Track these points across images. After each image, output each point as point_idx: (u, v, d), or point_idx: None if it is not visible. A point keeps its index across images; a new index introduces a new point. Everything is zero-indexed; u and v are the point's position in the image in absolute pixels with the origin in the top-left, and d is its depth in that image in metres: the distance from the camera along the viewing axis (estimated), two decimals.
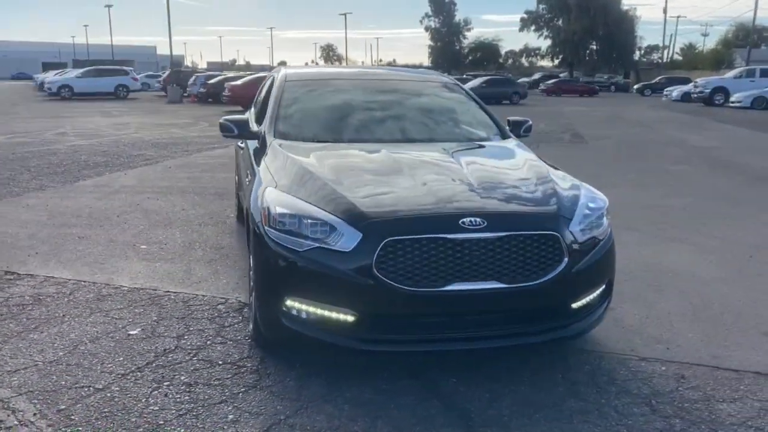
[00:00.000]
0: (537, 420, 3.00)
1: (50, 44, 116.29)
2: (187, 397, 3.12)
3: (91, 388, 3.19)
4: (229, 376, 3.35)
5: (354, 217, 3.12)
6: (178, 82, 34.80)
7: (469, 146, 4.40)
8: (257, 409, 3.03)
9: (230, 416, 2.97)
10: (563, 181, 3.78)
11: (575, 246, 3.28)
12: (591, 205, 3.56)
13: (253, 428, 2.87)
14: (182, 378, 3.32)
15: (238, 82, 27.14)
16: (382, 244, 3.01)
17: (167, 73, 40.97)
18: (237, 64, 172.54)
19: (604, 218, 3.59)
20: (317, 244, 3.10)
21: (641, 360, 3.64)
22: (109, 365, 3.44)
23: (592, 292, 3.47)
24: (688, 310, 4.41)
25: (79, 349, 3.65)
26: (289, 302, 3.18)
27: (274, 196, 3.40)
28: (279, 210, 3.24)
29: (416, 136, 4.50)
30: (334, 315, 3.12)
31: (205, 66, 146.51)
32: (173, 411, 3.00)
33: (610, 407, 3.12)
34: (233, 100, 26.23)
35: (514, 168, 3.97)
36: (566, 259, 3.22)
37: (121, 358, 3.53)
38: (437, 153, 4.09)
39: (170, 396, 3.13)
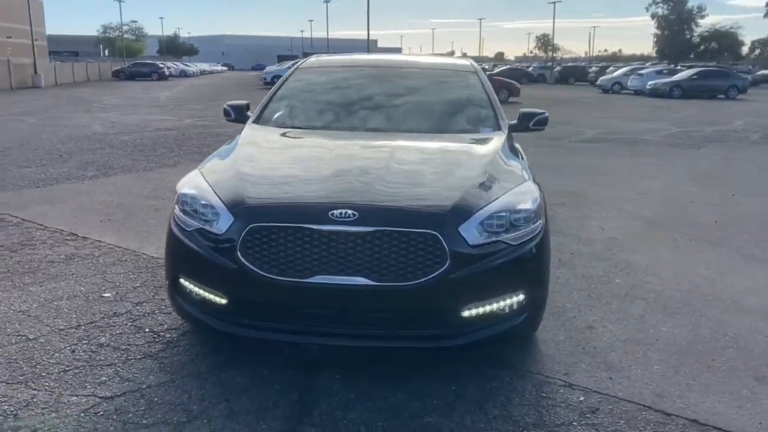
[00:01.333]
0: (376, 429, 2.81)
1: (284, 38, 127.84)
2: (85, 356, 3.39)
3: (22, 337, 3.61)
4: (141, 343, 3.57)
5: (231, 201, 3.16)
6: None
7: (438, 137, 4.16)
8: (131, 375, 3.21)
9: (102, 378, 3.18)
10: (502, 181, 3.43)
11: (465, 249, 2.98)
12: (516, 207, 3.20)
13: (106, 391, 3.05)
14: (101, 339, 3.60)
15: None
16: (247, 229, 3.01)
17: None
18: (456, 55, 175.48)
19: (531, 224, 3.21)
20: (200, 225, 3.19)
21: (565, 386, 3.21)
22: (58, 321, 3.85)
23: (495, 302, 3.12)
24: (675, 337, 3.76)
25: (52, 303, 4.13)
26: (181, 280, 3.31)
27: (190, 177, 3.54)
28: (184, 190, 3.38)
29: (396, 127, 4.35)
30: (211, 297, 3.19)
31: None
32: (62, 366, 3.29)
33: (472, 428, 2.82)
34: None
35: (450, 162, 3.68)
36: (448, 262, 2.94)
37: (74, 316, 3.93)
38: (395, 143, 3.94)
39: (76, 353, 3.43)
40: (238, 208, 3.10)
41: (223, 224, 3.10)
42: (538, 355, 3.53)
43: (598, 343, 3.69)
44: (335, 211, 2.97)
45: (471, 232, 3.03)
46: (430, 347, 3.12)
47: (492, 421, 2.87)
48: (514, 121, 4.57)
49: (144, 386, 3.11)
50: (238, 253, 3.01)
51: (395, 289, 2.92)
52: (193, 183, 3.42)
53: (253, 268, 2.98)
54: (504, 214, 3.15)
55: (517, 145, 4.28)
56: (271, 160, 3.68)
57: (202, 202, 3.24)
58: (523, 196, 3.32)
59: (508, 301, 3.17)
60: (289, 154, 3.85)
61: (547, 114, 4.63)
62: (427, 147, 3.99)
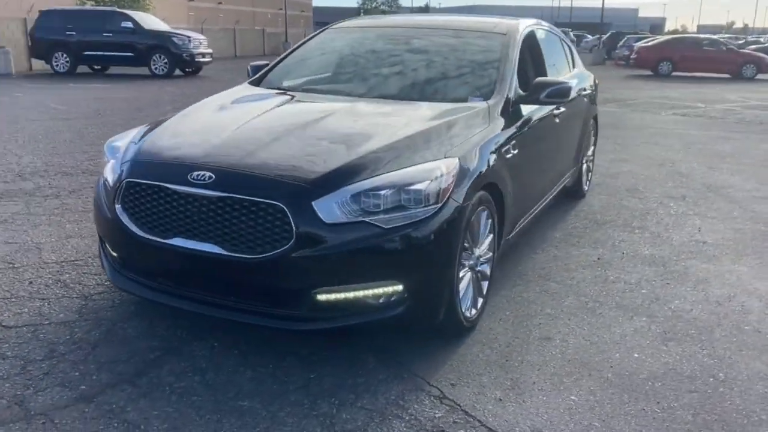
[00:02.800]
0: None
1: (533, 8, 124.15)
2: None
3: None
4: (60, 301, 3.62)
5: (124, 155, 3.23)
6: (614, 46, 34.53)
7: (405, 105, 3.75)
8: (37, 338, 3.32)
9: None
10: (413, 156, 3.01)
11: (317, 226, 2.70)
12: (407, 186, 2.81)
13: None
14: (23, 293, 3.65)
15: (647, 44, 25.15)
16: (122, 184, 3.06)
17: (607, 35, 40.28)
18: (735, 27, 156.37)
19: (420, 207, 2.80)
20: (105, 178, 3.31)
21: (436, 397, 2.78)
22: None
23: (361, 289, 2.79)
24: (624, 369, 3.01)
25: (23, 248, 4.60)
26: (99, 232, 3.47)
27: (130, 132, 3.65)
28: (108, 143, 3.52)
29: (375, 92, 4.00)
30: (108, 249, 3.32)
31: (694, 30, 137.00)
32: None
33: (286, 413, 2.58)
34: (639, 62, 24.57)
35: (371, 131, 3.27)
36: (294, 239, 2.70)
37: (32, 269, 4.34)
38: (344, 107, 3.69)
39: None
40: (124, 162, 3.17)
41: (114, 178, 3.18)
42: (443, 356, 3.08)
43: (533, 357, 3.11)
44: (194, 173, 2.87)
45: (329, 209, 2.72)
46: (282, 328, 2.88)
47: (310, 417, 2.59)
48: (523, 93, 3.95)
49: (57, 349, 3.22)
50: (116, 206, 3.06)
51: (242, 262, 2.75)
52: (123, 136, 3.54)
53: (124, 222, 3.02)
54: (384, 192, 2.77)
55: (519, 121, 3.72)
56: (202, 118, 3.64)
57: (117, 155, 3.34)
58: (424, 174, 2.89)
59: (380, 290, 2.81)
60: (225, 113, 3.76)
61: (567, 85, 3.92)
62: (374, 113, 3.63)
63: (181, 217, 2.87)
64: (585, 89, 5.66)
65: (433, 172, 2.89)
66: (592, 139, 6.19)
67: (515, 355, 3.12)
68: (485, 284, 3.48)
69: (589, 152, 6.16)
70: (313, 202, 2.72)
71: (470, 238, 3.18)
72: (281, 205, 2.70)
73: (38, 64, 21.43)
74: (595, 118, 6.20)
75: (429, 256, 2.85)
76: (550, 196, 4.84)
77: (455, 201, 2.91)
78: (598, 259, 4.44)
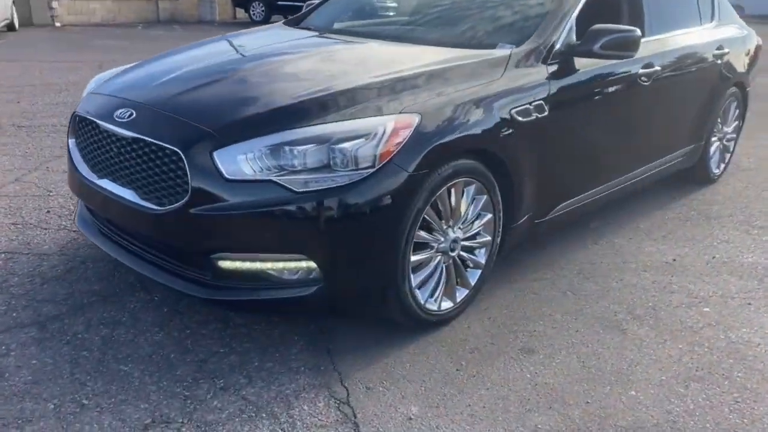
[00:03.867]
0: None
1: None
2: None
3: None
4: (58, 233, 3.59)
5: (86, 89, 3.10)
6: None
7: (428, 50, 3.12)
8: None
9: None
10: (371, 105, 2.49)
11: (216, 181, 2.32)
12: (337, 144, 2.32)
13: None
14: (32, 221, 3.68)
15: None
16: (73, 118, 2.92)
17: None
18: None
19: (346, 170, 2.31)
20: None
21: (333, 399, 2.32)
22: None
23: (268, 260, 2.39)
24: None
25: None
26: None
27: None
28: (96, 76, 3.38)
29: (411, 37, 3.42)
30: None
31: None
32: None
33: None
34: None
35: (346, 74, 2.73)
36: (189, 192, 2.35)
37: None
38: (356, 51, 3.27)
39: None
40: (85, 94, 3.02)
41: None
42: (384, 352, 2.58)
43: (493, 372, 2.49)
44: (119, 110, 2.62)
45: (232, 161, 2.31)
46: (186, 293, 2.54)
47: (177, 397, 2.27)
48: (576, 41, 3.14)
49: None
50: (69, 141, 2.94)
51: (150, 213, 2.47)
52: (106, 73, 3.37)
53: (74, 158, 2.88)
54: (305, 148, 2.30)
55: (529, 73, 2.95)
56: (180, 55, 3.32)
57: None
58: (361, 130, 2.36)
59: (291, 265, 2.38)
60: (204, 50, 3.40)
61: (633, 35, 3.04)
62: (370, 56, 3.12)
63: (107, 157, 2.65)
64: (722, 49, 4.48)
65: (372, 130, 2.35)
66: (734, 112, 4.96)
67: (472, 366, 2.52)
68: (475, 273, 2.86)
69: (729, 129, 4.95)
70: (214, 152, 2.32)
71: (439, 216, 2.59)
72: (179, 151, 2.35)
73: (240, 13, 22.92)
74: (742, 87, 4.93)
75: (352, 231, 2.34)
76: (643, 177, 3.93)
77: (400, 168, 2.35)
78: (674, 260, 3.52)
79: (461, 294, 2.82)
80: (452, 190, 2.61)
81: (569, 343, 2.69)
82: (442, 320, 2.76)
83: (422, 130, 2.43)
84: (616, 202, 3.98)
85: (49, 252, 3.32)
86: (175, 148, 2.35)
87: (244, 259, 2.38)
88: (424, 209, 2.48)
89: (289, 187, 2.27)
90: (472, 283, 2.86)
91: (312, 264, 2.34)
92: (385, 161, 2.33)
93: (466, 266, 2.84)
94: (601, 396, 2.36)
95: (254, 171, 2.29)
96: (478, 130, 2.62)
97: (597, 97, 3.29)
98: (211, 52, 3.33)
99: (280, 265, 2.37)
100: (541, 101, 2.90)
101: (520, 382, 2.43)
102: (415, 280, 2.58)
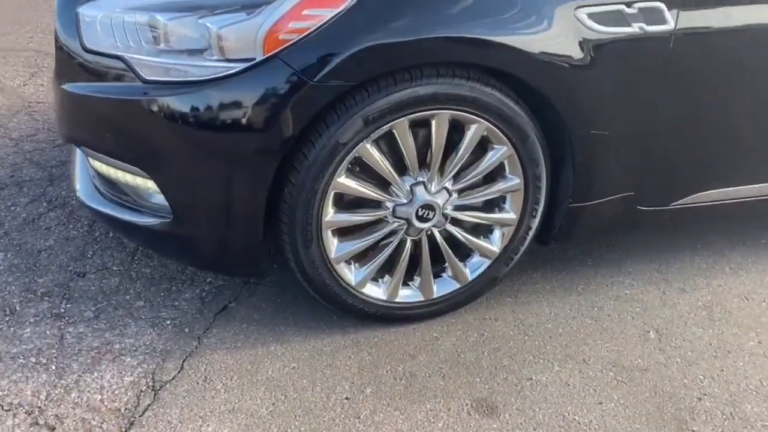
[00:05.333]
0: None
1: None
2: None
3: None
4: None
5: None
6: None
7: None
8: None
9: None
10: None
11: (76, 50, 1.70)
12: (204, 19, 1.53)
13: None
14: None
15: None
16: None
17: None
18: None
19: (204, 61, 1.54)
20: None
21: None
22: None
23: (120, 169, 1.76)
24: None
25: None
26: None
27: None
28: None
29: None
30: None
31: None
32: None
33: None
34: None
35: None
36: (56, 59, 1.83)
37: None
38: None
39: None
40: None
41: None
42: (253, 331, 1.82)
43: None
44: None
45: (93, 24, 1.67)
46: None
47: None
48: None
49: None
50: None
51: None
52: None
53: None
54: (172, 18, 1.55)
55: None
56: None
57: None
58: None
59: (139, 181, 1.71)
60: None
61: None
62: None
63: None
64: None
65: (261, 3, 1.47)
66: None
67: (371, 403, 1.60)
68: (479, 265, 1.86)
69: None
70: (78, 9, 1.69)
71: (401, 163, 1.65)
72: (56, 7, 1.78)
73: None
74: None
75: (209, 155, 1.56)
76: None
77: (292, 69, 1.45)
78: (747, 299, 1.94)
79: (445, 287, 1.84)
80: (433, 123, 1.61)
81: (507, 389, 1.57)
82: (396, 317, 1.84)
83: (359, 14, 1.46)
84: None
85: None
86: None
87: (100, 162, 1.77)
88: (352, 144, 1.55)
89: (138, 71, 1.55)
90: (469, 277, 1.84)
91: (151, 184, 1.63)
92: (271, 53, 1.45)
93: (466, 251, 1.83)
94: None
95: (109, 41, 1.61)
96: (490, 35, 1.53)
97: None
98: None
99: (133, 179, 1.71)
100: (661, 3, 1.61)
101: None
102: (345, 248, 1.70)
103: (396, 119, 1.56)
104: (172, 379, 1.63)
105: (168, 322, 1.82)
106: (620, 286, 2.07)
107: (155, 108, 1.52)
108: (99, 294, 1.91)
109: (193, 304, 1.89)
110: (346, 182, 1.61)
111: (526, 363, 1.74)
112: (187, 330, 1.79)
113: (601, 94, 1.65)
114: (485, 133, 1.66)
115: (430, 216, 1.71)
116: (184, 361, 1.69)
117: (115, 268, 2.02)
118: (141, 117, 1.56)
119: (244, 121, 1.48)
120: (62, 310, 1.84)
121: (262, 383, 1.64)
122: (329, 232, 1.66)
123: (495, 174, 1.76)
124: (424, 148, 1.65)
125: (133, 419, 1.52)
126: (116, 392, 1.59)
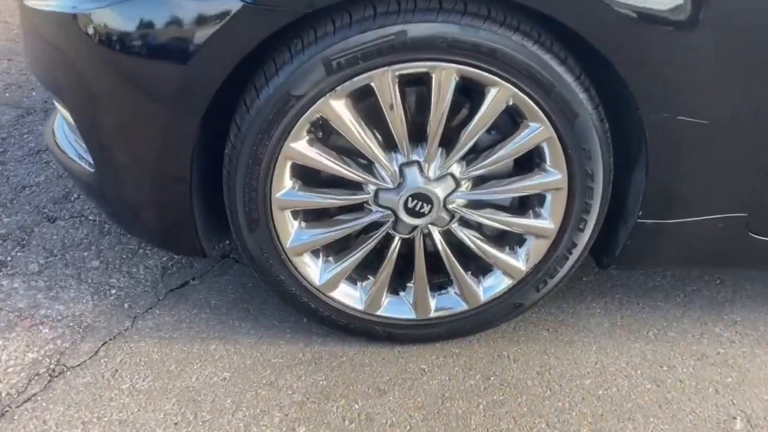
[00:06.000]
0: None
1: None
2: None
3: None
4: None
5: None
6: None
7: None
8: None
9: None
10: None
11: None
12: None
13: None
14: None
15: None
16: None
17: None
18: None
19: None
20: None
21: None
22: None
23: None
24: None
25: None
26: None
27: None
28: None
29: None
30: None
31: None
32: None
33: None
34: None
35: None
36: None
37: None
38: None
39: None
40: None
41: None
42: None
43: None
44: None
45: None
46: None
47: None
48: None
49: None
50: None
51: None
52: None
53: None
54: None
55: None
56: None
57: None
58: None
59: (69, 117, 1.40)
60: None
61: None
62: None
63: None
64: None
65: None
66: None
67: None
68: (496, 284, 1.37)
69: None
70: None
71: (385, 136, 1.20)
72: None
73: None
74: None
75: (111, 80, 1.20)
76: None
77: None
78: None
79: (446, 306, 1.37)
80: (433, 79, 1.13)
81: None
82: (376, 334, 1.40)
83: None
84: None
85: None
86: None
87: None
88: (311, 99, 1.12)
89: None
90: (482, 299, 1.35)
91: (67, 114, 1.31)
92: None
93: (480, 266, 1.35)
94: None
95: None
96: None
97: None
98: None
99: (66, 114, 1.39)
100: None
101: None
102: (306, 236, 1.29)
103: (374, 69, 1.09)
104: (79, 365, 1.33)
105: (113, 291, 1.52)
106: (712, 341, 1.47)
107: (59, 21, 1.18)
108: (58, 245, 1.65)
109: (151, 274, 1.57)
110: (301, 149, 1.18)
111: None
112: (126, 305, 1.48)
113: (699, 62, 1.07)
114: (511, 102, 1.14)
115: (425, 210, 1.23)
116: (104, 344, 1.38)
117: (91, 218, 1.76)
118: (46, 33, 1.23)
119: (155, 46, 1.10)
120: (9, 258, 1.60)
121: (176, 393, 1.28)
122: (285, 213, 1.25)
123: (530, 164, 1.24)
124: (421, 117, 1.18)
125: (7, 409, 1.22)
126: (8, 370, 1.31)
